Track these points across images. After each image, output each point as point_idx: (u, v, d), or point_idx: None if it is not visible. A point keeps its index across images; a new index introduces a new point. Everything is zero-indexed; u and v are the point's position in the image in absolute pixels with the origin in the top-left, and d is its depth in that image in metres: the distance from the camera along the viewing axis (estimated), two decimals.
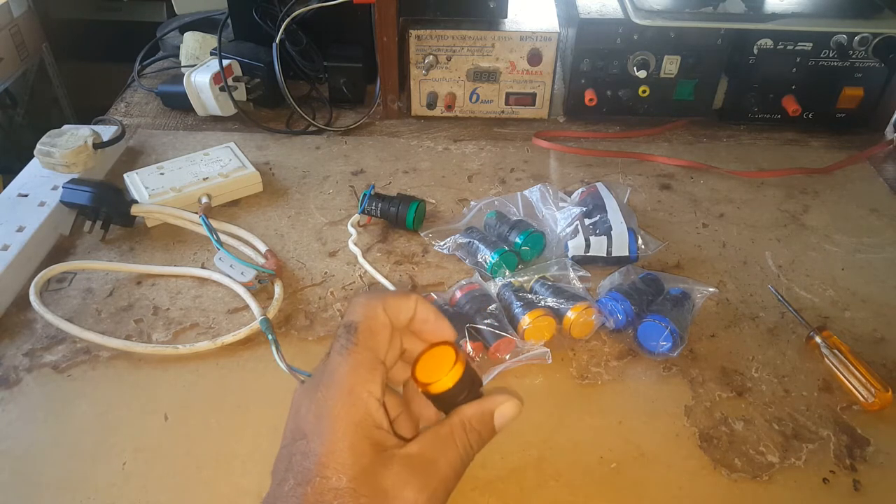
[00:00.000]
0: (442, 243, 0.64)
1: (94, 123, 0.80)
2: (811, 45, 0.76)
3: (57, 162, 0.69)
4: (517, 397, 0.36)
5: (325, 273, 0.62)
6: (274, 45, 0.78)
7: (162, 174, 0.70)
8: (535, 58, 0.79)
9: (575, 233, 0.61)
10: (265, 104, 0.87)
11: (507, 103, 0.84)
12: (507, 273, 0.59)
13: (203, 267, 0.62)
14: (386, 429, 0.33)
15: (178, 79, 0.83)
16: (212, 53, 0.84)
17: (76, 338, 0.55)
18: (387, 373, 0.35)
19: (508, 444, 0.47)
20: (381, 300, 0.35)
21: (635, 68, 0.78)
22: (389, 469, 0.32)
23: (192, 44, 0.92)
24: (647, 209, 0.70)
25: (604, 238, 0.60)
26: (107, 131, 0.76)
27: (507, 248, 0.60)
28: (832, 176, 0.75)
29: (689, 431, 0.48)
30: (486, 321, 0.52)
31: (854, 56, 0.76)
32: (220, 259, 0.62)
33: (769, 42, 0.77)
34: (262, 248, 0.64)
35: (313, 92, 0.88)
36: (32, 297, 0.56)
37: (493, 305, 0.54)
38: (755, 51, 0.77)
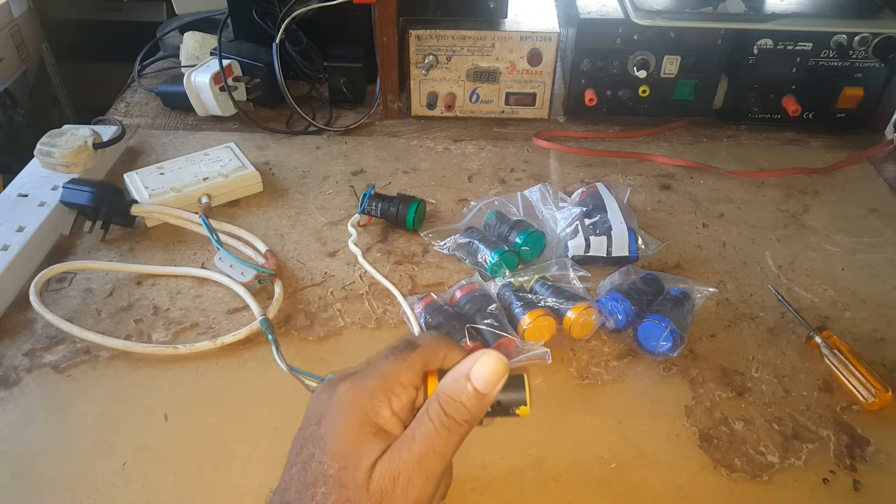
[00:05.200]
0: (442, 243, 0.64)
1: (94, 123, 0.80)
2: (811, 45, 0.76)
3: (57, 162, 0.69)
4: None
5: (325, 273, 0.62)
6: (274, 45, 0.78)
7: (162, 174, 0.70)
8: (535, 58, 0.79)
9: (575, 233, 0.61)
10: (265, 104, 0.87)
11: (507, 103, 0.84)
12: (507, 273, 0.59)
13: (203, 267, 0.62)
14: (395, 436, 0.33)
15: (178, 79, 0.83)
16: (212, 53, 0.84)
17: (76, 338, 0.55)
18: (415, 400, 0.35)
19: (508, 444, 0.47)
20: (451, 345, 0.36)
21: (635, 68, 0.78)
22: (376, 466, 0.32)
23: (192, 44, 0.92)
24: (647, 209, 0.70)
25: (604, 238, 0.60)
26: (107, 131, 0.76)
27: (507, 248, 0.60)
28: (832, 176, 0.75)
29: (689, 431, 0.48)
30: (486, 321, 0.52)
31: (854, 56, 0.76)
32: (220, 259, 0.62)
33: (769, 42, 0.77)
34: (262, 248, 0.64)
35: (313, 92, 0.88)
36: (32, 297, 0.56)
37: (493, 305, 0.54)
38: (755, 51, 0.77)
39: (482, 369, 0.33)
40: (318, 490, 0.31)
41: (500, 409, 0.35)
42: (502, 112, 0.85)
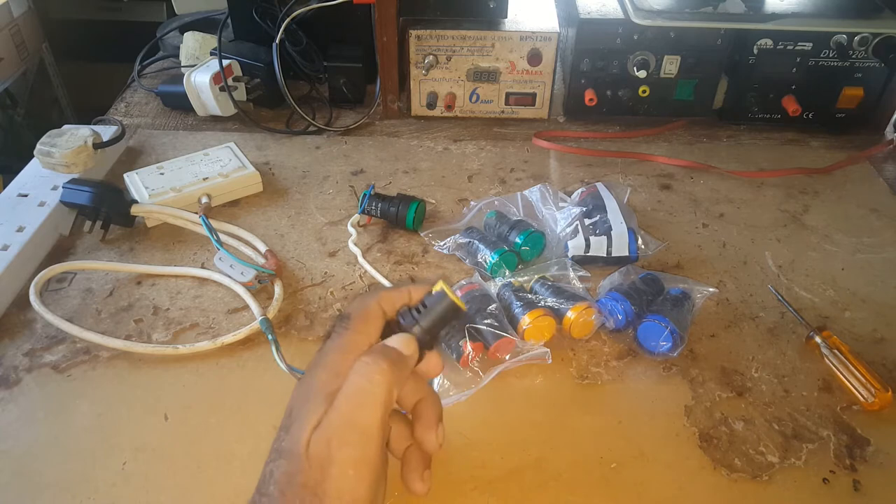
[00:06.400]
0: (442, 243, 0.64)
1: (94, 123, 0.80)
2: (811, 45, 0.76)
3: (57, 162, 0.69)
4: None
5: (325, 273, 0.62)
6: (274, 45, 0.78)
7: (162, 174, 0.70)
8: (535, 58, 0.79)
9: (575, 233, 0.61)
10: (265, 104, 0.87)
11: (507, 103, 0.84)
12: (507, 273, 0.59)
13: (203, 267, 0.62)
14: None
15: (178, 79, 0.83)
16: (212, 53, 0.84)
17: (76, 338, 0.55)
18: None
19: (508, 444, 0.47)
20: (375, 295, 0.38)
21: (635, 68, 0.78)
22: (312, 435, 0.33)
23: (192, 44, 0.92)
24: (647, 209, 0.70)
25: (604, 238, 0.60)
26: (107, 131, 0.76)
27: (507, 248, 0.60)
28: (832, 176, 0.75)
29: (689, 431, 0.48)
30: (486, 321, 0.52)
31: (854, 56, 0.76)
32: (220, 259, 0.62)
33: (769, 42, 0.77)
34: (262, 248, 0.64)
35: (313, 92, 0.88)
36: (32, 297, 0.56)
37: (493, 305, 0.54)
38: (755, 51, 0.77)
39: (397, 341, 0.36)
40: (273, 465, 0.32)
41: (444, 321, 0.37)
42: (502, 112, 0.85)
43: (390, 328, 0.38)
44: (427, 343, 0.38)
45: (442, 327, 0.38)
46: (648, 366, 0.53)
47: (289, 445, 0.32)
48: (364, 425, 0.33)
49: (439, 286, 0.37)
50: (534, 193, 0.66)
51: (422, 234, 0.66)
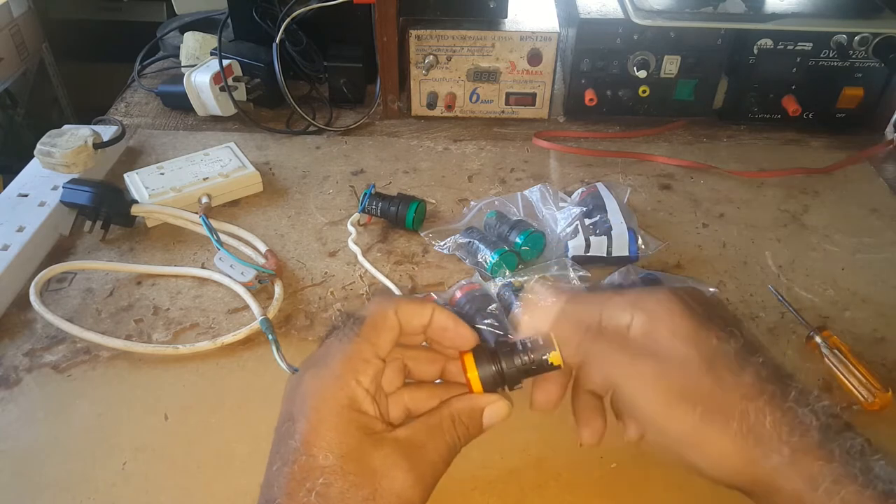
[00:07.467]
0: (442, 243, 0.64)
1: (94, 123, 0.80)
2: (811, 45, 0.76)
3: (57, 162, 0.69)
4: (509, 399, 0.37)
5: (325, 273, 0.62)
6: (274, 45, 0.78)
7: (162, 174, 0.70)
8: (535, 58, 0.79)
9: (575, 233, 0.61)
10: (265, 104, 0.87)
11: (507, 103, 0.84)
12: (507, 273, 0.59)
13: (203, 267, 0.62)
14: (372, 415, 0.34)
15: (178, 79, 0.83)
16: (212, 53, 0.84)
17: (76, 338, 0.55)
18: (382, 371, 0.35)
19: (508, 444, 0.47)
20: (394, 304, 0.36)
21: (635, 68, 0.78)
22: (378, 450, 0.32)
23: (192, 44, 0.92)
24: (647, 209, 0.70)
25: (604, 238, 0.60)
26: (107, 131, 0.76)
27: (507, 248, 0.60)
28: (832, 176, 0.75)
29: None
30: (486, 321, 0.52)
31: (854, 56, 0.76)
32: (220, 259, 0.62)
33: (769, 42, 0.77)
34: (262, 248, 0.64)
35: (313, 92, 0.88)
36: (32, 297, 0.56)
37: (493, 305, 0.54)
38: (755, 51, 0.77)
39: (495, 415, 0.37)
40: (316, 482, 0.31)
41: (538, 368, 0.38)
42: (502, 112, 0.85)
43: (482, 349, 0.38)
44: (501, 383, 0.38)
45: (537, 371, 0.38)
46: None
47: (340, 463, 0.32)
48: (438, 473, 0.34)
49: (557, 358, 0.37)
50: (534, 193, 0.66)
51: (422, 234, 0.66)
